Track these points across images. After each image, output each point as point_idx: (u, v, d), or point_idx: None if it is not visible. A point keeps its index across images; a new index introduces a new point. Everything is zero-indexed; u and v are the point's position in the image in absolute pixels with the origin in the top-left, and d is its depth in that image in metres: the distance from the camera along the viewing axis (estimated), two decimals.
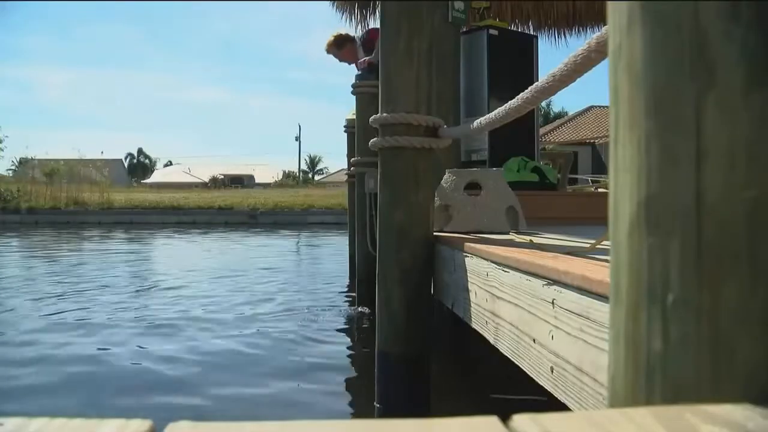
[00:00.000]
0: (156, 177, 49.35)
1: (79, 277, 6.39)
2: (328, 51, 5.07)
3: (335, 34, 5.02)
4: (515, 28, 5.96)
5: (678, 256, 0.40)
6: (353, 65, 4.86)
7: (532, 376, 1.25)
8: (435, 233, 2.32)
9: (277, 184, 34.83)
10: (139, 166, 62.73)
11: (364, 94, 4.24)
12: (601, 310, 0.90)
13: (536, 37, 5.34)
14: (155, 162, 66.20)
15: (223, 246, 11.16)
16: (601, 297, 0.91)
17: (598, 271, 0.98)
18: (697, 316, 0.39)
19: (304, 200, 19.59)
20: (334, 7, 6.02)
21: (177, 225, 17.14)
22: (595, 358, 0.92)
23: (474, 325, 1.77)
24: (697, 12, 0.39)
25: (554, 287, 1.12)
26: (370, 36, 4.73)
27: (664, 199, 0.40)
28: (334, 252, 9.73)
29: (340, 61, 5.09)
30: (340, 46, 4.97)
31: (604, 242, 1.28)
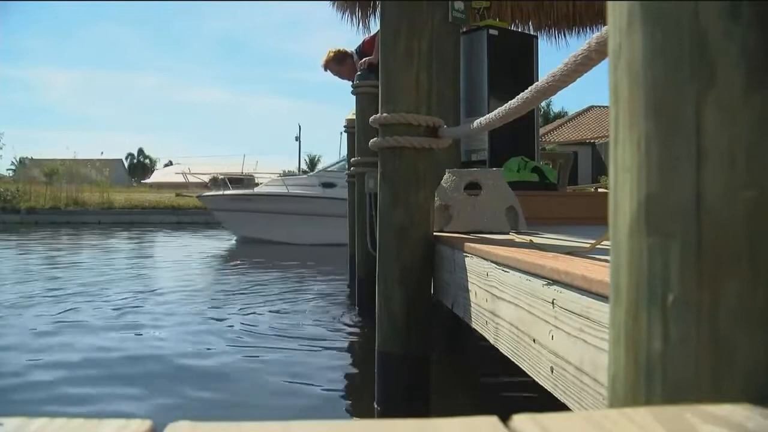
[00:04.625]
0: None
1: (77, 276, 6.39)
2: (327, 67, 4.92)
3: (335, 50, 4.89)
4: (515, 28, 5.96)
5: (678, 256, 0.40)
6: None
7: (532, 376, 1.25)
8: (435, 233, 2.32)
9: None
10: (140, 166, 62.77)
11: (364, 94, 4.24)
12: (601, 310, 0.90)
13: (536, 37, 5.33)
14: (155, 162, 66.23)
15: (223, 246, 11.15)
16: (601, 297, 0.91)
17: (598, 271, 0.98)
18: (697, 316, 0.39)
19: None
20: (335, 7, 6.02)
21: (177, 225, 17.14)
22: (595, 358, 0.92)
23: (474, 325, 1.77)
24: (697, 12, 0.39)
25: (554, 287, 1.12)
26: (364, 48, 4.68)
27: (664, 199, 0.40)
28: (333, 252, 9.73)
29: (340, 77, 4.95)
30: (341, 62, 4.85)
31: (604, 242, 1.28)
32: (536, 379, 1.22)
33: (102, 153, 33.45)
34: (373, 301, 2.29)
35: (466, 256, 1.84)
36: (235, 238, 12.32)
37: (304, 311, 4.42)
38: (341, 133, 14.45)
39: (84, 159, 25.54)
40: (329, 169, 12.54)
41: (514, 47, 4.77)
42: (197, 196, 14.38)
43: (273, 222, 11.33)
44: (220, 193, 12.78)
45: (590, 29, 6.20)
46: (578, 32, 6.31)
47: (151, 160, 66.44)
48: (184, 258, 8.84)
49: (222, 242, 12.06)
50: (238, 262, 8.33)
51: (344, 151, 12.52)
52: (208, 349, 3.32)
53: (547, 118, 30.34)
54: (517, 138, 4.56)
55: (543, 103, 22.86)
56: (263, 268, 7.32)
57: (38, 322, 3.94)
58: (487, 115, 1.72)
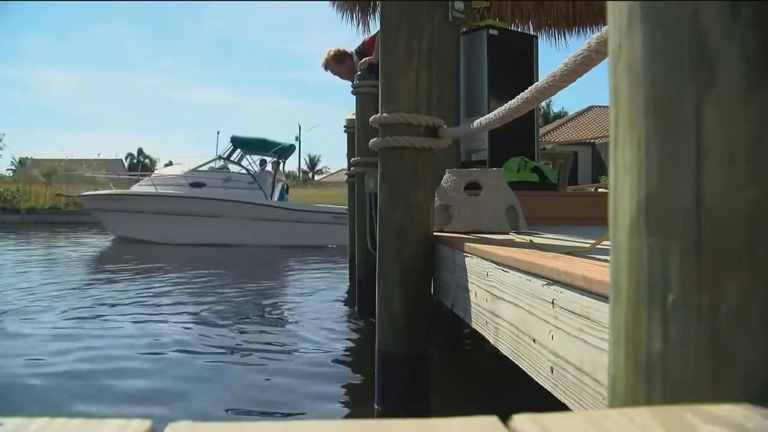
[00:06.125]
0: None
1: (77, 277, 6.39)
2: (326, 67, 4.93)
3: (334, 50, 4.90)
4: (515, 28, 5.96)
5: (678, 256, 0.40)
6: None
7: (531, 376, 1.25)
8: (435, 233, 2.32)
9: None
10: (140, 166, 62.71)
11: (364, 94, 4.24)
12: (601, 310, 0.90)
13: (536, 37, 5.33)
14: (156, 162, 66.13)
15: (221, 246, 11.14)
16: (601, 297, 0.91)
17: (598, 271, 0.98)
18: (697, 316, 0.39)
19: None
20: (334, 7, 6.02)
21: None
22: (595, 358, 0.92)
23: (474, 325, 1.77)
24: (697, 12, 0.39)
25: (554, 287, 1.12)
26: (364, 48, 4.68)
27: (664, 199, 0.40)
28: (333, 252, 9.73)
29: (339, 77, 4.95)
30: (340, 62, 4.85)
31: (604, 242, 1.28)
32: (536, 379, 1.22)
33: (99, 154, 33.39)
34: (373, 301, 2.29)
35: (466, 256, 1.84)
36: (112, 237, 12.32)
37: (304, 311, 4.42)
38: (217, 132, 14.38)
39: (83, 159, 25.57)
40: (199, 168, 12.66)
41: (514, 47, 4.77)
42: (78, 196, 14.45)
43: (144, 221, 11.41)
44: (95, 192, 12.84)
45: (590, 29, 6.20)
46: (578, 32, 6.30)
47: (151, 160, 66.36)
48: (181, 256, 8.84)
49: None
50: (240, 260, 8.32)
51: (221, 150, 12.64)
52: (207, 349, 3.32)
53: (547, 118, 30.30)
54: (517, 138, 4.56)
55: (543, 103, 22.85)
56: (264, 267, 7.31)
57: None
58: (487, 115, 1.72)
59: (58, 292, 5.20)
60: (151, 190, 11.96)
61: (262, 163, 12.74)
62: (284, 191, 12.91)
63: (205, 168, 12.64)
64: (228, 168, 12.59)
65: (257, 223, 11.16)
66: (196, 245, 10.43)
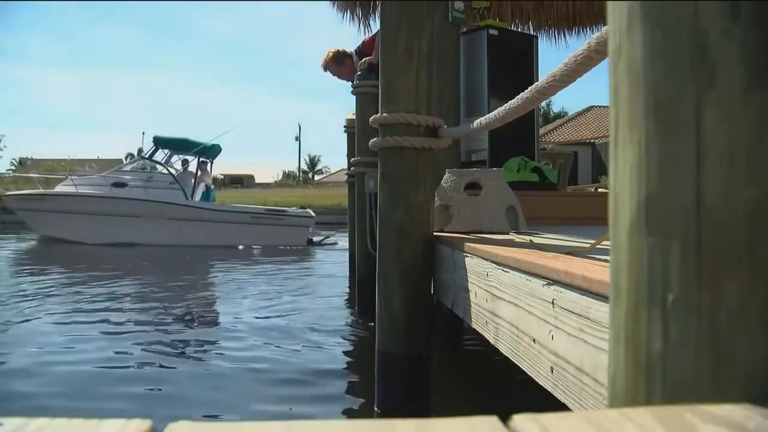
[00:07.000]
0: None
1: (77, 277, 6.39)
2: (326, 68, 4.90)
3: (334, 50, 4.87)
4: (515, 28, 5.96)
5: (678, 256, 0.40)
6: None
7: (531, 376, 1.24)
8: (435, 233, 2.32)
9: (277, 184, 34.96)
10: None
11: (364, 94, 4.24)
12: (601, 310, 0.90)
13: (536, 37, 5.33)
14: None
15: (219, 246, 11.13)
16: (601, 297, 0.91)
17: (598, 271, 0.98)
18: (697, 316, 0.39)
19: (305, 200, 19.63)
20: (335, 8, 6.02)
21: None
22: (595, 358, 0.92)
23: (474, 325, 1.77)
24: (697, 12, 0.39)
25: (554, 287, 1.12)
26: (364, 48, 4.67)
27: (664, 199, 0.40)
28: (333, 252, 9.73)
29: (339, 77, 4.93)
30: (340, 62, 4.83)
31: (604, 242, 1.28)
32: (536, 379, 1.22)
33: (97, 156, 33.40)
34: (373, 301, 2.29)
35: (466, 256, 1.84)
36: (36, 237, 12.28)
37: (304, 311, 4.42)
38: (143, 133, 14.19)
39: (83, 159, 25.56)
40: (122, 169, 12.65)
41: (514, 47, 4.76)
42: (2, 196, 14.45)
43: (66, 221, 11.41)
44: (18, 192, 12.88)
45: (590, 29, 6.20)
46: (578, 32, 6.31)
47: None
48: (182, 257, 8.83)
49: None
50: (240, 260, 8.31)
51: (146, 148, 12.60)
52: (205, 350, 3.32)
53: (547, 118, 30.31)
54: (517, 138, 4.55)
55: (543, 103, 22.86)
56: (264, 267, 7.31)
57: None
58: (487, 115, 1.72)
59: None
60: (72, 190, 11.99)
61: (184, 162, 12.71)
62: (209, 191, 12.85)
63: (128, 168, 12.72)
64: (156, 168, 12.54)
65: (176, 223, 11.18)
66: (115, 245, 10.43)
